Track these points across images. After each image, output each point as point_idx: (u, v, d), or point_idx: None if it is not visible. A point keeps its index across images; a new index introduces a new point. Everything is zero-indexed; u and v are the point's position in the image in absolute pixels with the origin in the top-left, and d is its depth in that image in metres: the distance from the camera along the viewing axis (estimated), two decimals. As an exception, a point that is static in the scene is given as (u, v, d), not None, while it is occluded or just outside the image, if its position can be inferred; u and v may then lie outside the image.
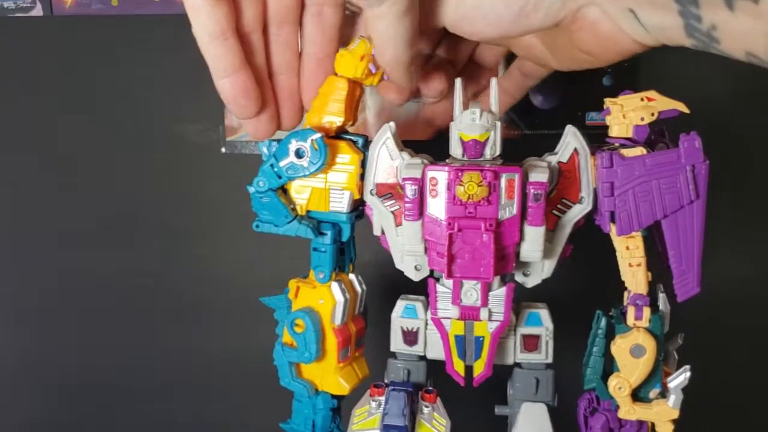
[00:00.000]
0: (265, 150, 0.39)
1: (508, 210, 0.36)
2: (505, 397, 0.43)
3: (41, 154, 0.71)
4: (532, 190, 0.35)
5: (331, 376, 0.42)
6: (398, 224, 0.39)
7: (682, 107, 0.36)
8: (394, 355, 0.42)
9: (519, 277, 0.39)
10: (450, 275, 0.36)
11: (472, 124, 0.36)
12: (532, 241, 0.36)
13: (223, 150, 0.67)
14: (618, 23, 0.33)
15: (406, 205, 0.37)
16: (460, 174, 0.35)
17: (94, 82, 0.67)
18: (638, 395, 0.39)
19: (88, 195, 0.71)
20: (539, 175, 0.36)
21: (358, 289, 0.42)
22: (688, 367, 0.38)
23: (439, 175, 0.36)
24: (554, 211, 0.38)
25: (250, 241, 0.67)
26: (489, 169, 0.35)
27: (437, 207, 0.36)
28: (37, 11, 0.64)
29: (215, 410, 0.75)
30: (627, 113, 0.37)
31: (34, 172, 0.71)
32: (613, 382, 0.38)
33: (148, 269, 0.72)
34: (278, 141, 0.39)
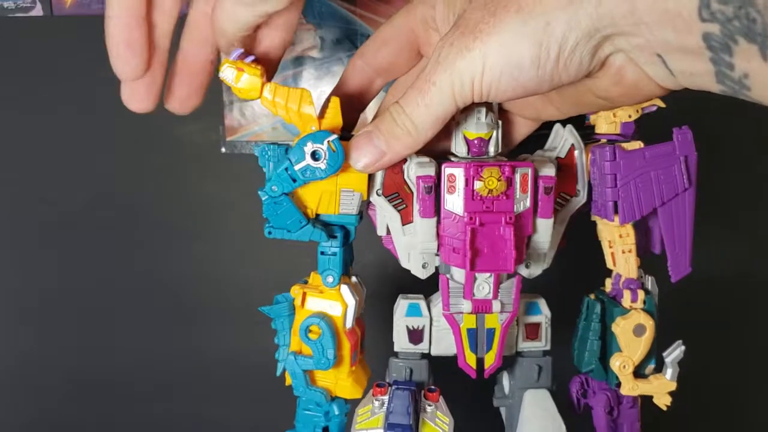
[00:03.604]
0: (266, 153, 0.38)
1: (523, 203, 0.37)
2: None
3: (41, 154, 0.68)
4: (543, 184, 0.37)
5: (344, 380, 0.41)
6: (405, 223, 0.39)
7: (659, 102, 0.39)
8: (395, 354, 0.42)
9: (521, 269, 0.40)
10: (473, 269, 0.37)
11: (478, 122, 0.38)
12: (543, 233, 0.38)
13: (223, 150, 0.67)
14: (644, 69, 0.32)
15: (421, 202, 0.37)
16: (480, 170, 0.36)
17: (94, 82, 0.64)
18: (636, 372, 0.41)
19: (88, 195, 0.69)
20: (549, 170, 0.38)
21: (361, 290, 0.42)
22: (680, 341, 0.41)
23: (457, 172, 0.36)
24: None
25: (249, 240, 0.67)
26: (507, 164, 0.36)
27: (454, 203, 0.37)
28: (37, 11, 0.63)
29: (215, 410, 0.74)
30: (617, 111, 0.40)
31: (34, 171, 0.69)
32: (617, 361, 0.40)
33: (148, 269, 0.71)
34: (274, 145, 0.38)
